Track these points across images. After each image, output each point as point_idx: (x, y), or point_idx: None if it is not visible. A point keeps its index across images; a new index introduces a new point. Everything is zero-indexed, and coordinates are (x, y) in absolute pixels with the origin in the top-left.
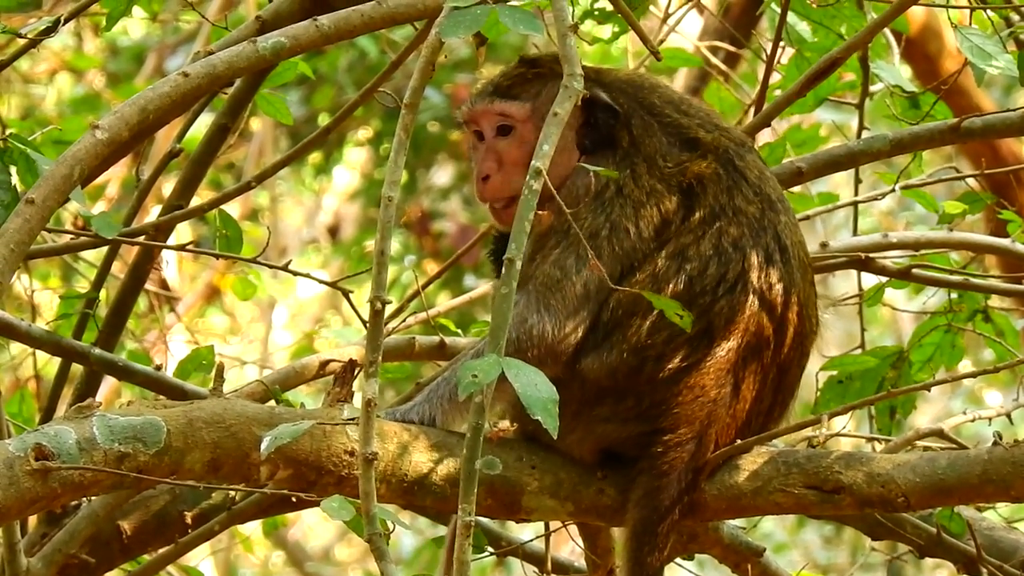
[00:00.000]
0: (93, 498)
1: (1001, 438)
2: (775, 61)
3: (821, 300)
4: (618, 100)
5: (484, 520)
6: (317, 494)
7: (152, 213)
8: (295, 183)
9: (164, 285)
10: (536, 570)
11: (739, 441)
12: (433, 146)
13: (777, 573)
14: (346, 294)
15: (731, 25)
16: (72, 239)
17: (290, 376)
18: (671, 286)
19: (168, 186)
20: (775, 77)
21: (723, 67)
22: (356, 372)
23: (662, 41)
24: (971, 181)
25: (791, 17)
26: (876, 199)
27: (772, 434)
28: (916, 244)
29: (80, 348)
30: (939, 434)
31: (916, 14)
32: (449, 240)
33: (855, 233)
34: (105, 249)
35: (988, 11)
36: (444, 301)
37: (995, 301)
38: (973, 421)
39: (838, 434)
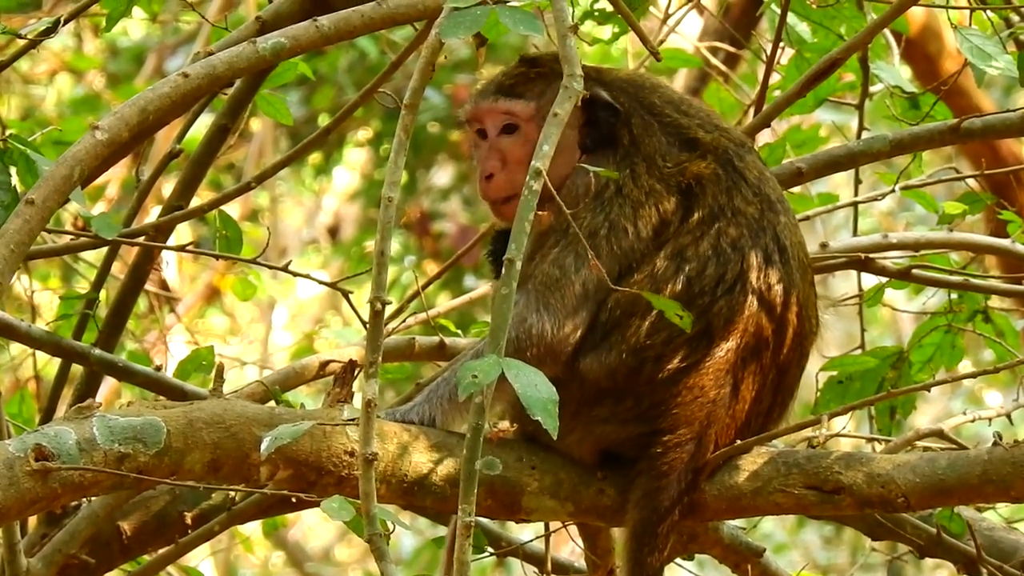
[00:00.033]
0: (93, 499)
1: (1001, 438)
2: (775, 62)
3: (821, 301)
4: (619, 99)
5: (484, 520)
6: (317, 494)
7: (152, 214)
8: (295, 184)
9: (164, 286)
10: (536, 570)
11: (739, 441)
12: (433, 147)
13: (777, 573)
14: (346, 295)
15: (731, 26)
16: (72, 240)
17: (290, 377)
18: (669, 287)
19: (168, 187)
20: (775, 78)
21: (723, 68)
22: (356, 373)
23: (662, 42)
24: (971, 182)
25: (791, 18)
26: (876, 200)
27: (772, 434)
28: (916, 244)
29: (80, 349)
30: (939, 434)
31: (916, 15)
32: (449, 241)
33: (855, 233)
34: (105, 250)
35: (988, 12)
36: (444, 302)
37: (995, 301)
38: (973, 421)
39: (838, 434)
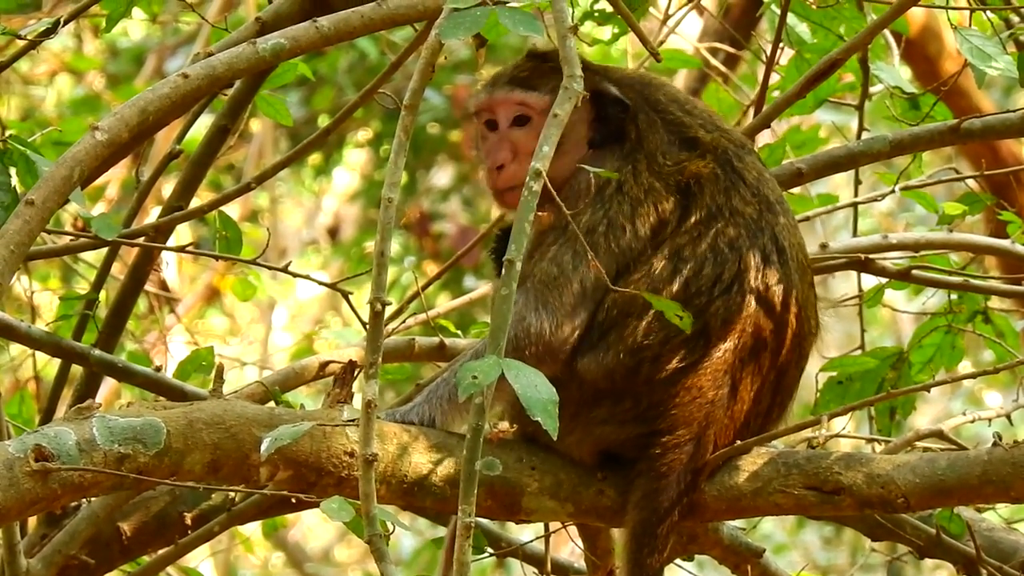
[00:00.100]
0: (93, 499)
1: (1001, 439)
2: (775, 62)
3: (821, 302)
4: (627, 95)
5: (484, 521)
6: (317, 495)
7: (152, 214)
8: (295, 184)
9: (164, 286)
10: (536, 571)
11: (738, 442)
12: (433, 147)
13: (777, 574)
14: (346, 295)
15: (731, 26)
16: (72, 240)
17: (290, 377)
18: (667, 287)
19: (168, 187)
20: (775, 78)
21: (723, 68)
22: (356, 373)
23: (662, 42)
24: (971, 182)
25: (791, 18)
26: (876, 200)
27: (772, 435)
28: (916, 245)
29: (80, 349)
30: (939, 435)
31: (916, 15)
32: (449, 241)
33: (855, 234)
34: (105, 250)
35: (988, 12)
36: (444, 302)
37: (995, 302)
38: (973, 422)
39: (838, 435)
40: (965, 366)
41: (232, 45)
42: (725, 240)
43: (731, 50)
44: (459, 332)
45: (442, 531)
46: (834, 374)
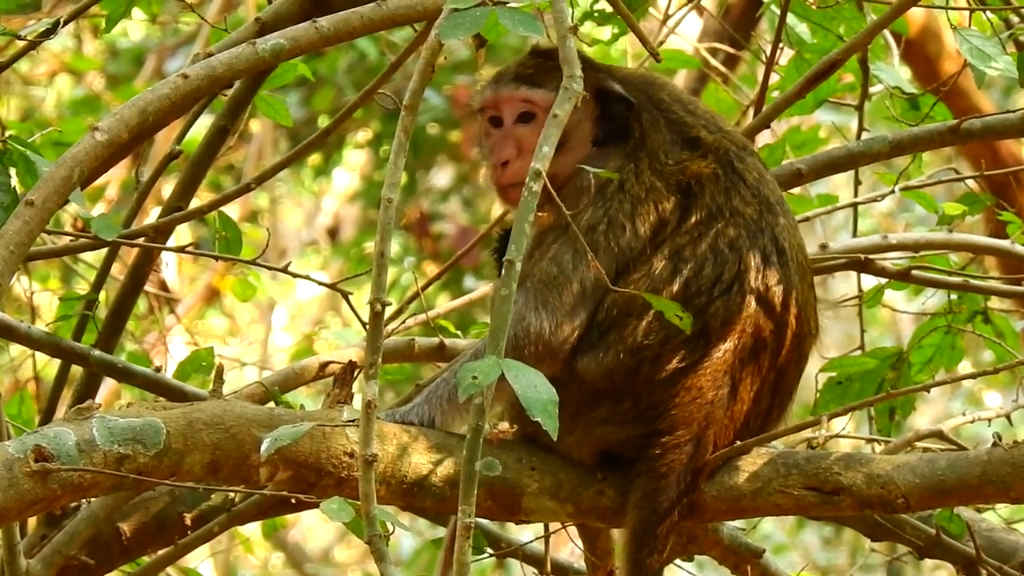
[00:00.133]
0: (93, 500)
1: (1000, 439)
2: (774, 62)
3: (820, 303)
4: (632, 93)
5: (484, 521)
6: (317, 496)
7: (152, 215)
8: (295, 185)
9: (164, 287)
10: (536, 571)
11: (738, 442)
12: (433, 148)
13: (777, 574)
14: (346, 296)
15: (731, 26)
16: (72, 241)
17: (290, 378)
18: (667, 287)
19: (168, 188)
20: (774, 78)
21: (722, 69)
22: (356, 374)
23: (661, 43)
24: (971, 182)
25: (791, 18)
26: (876, 200)
27: (772, 435)
28: (916, 245)
29: (80, 350)
30: (939, 435)
31: (915, 16)
32: (449, 242)
33: (855, 234)
34: (105, 251)
35: (987, 13)
36: (444, 303)
37: (995, 302)
38: (973, 422)
39: (838, 435)
40: (965, 366)
41: (232, 46)
42: (725, 240)
43: (731, 50)
44: (459, 332)
45: (442, 532)
46: (834, 374)
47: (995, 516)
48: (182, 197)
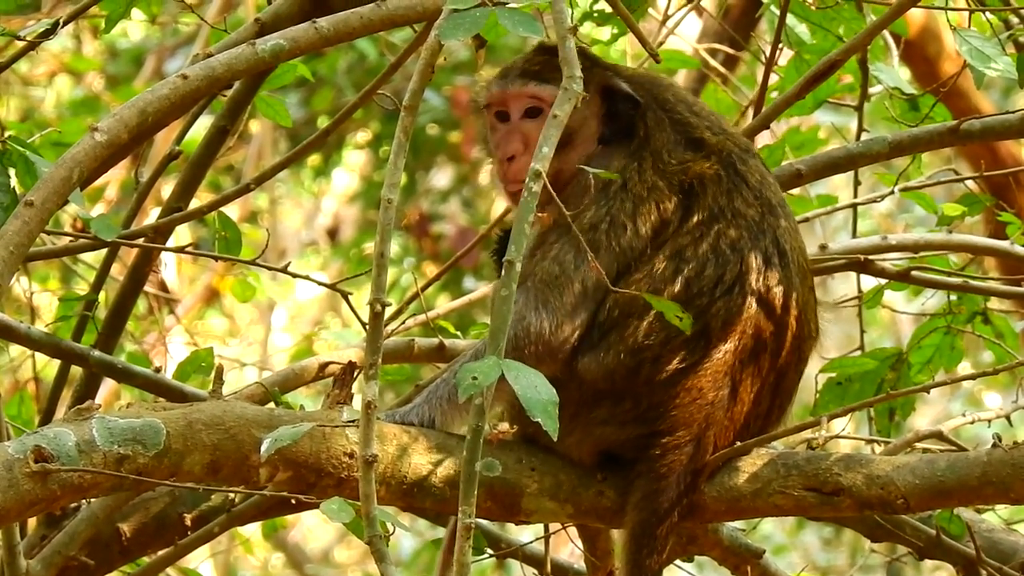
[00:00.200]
0: (92, 500)
1: (1000, 440)
2: (774, 63)
3: (821, 306)
4: (637, 92)
5: (483, 522)
6: (317, 496)
7: (151, 215)
8: (294, 185)
9: (163, 287)
10: (536, 572)
11: (738, 443)
12: (432, 148)
13: (776, 575)
14: (345, 296)
15: (730, 27)
16: (71, 241)
17: (289, 378)
18: (668, 287)
19: (167, 188)
20: (774, 79)
21: (722, 69)
22: (355, 374)
23: (661, 43)
24: (970, 183)
25: (790, 19)
26: (875, 201)
27: (772, 436)
28: (915, 246)
29: (79, 350)
30: (938, 436)
31: (915, 16)
32: (448, 242)
33: (854, 235)
34: (104, 251)
35: (987, 13)
36: (443, 303)
37: (994, 303)
38: (972, 423)
39: (837, 436)
40: (964, 367)
41: (231, 46)
42: (727, 241)
43: (730, 51)
44: (459, 333)
45: (442, 532)
46: (833, 375)
47: (995, 517)
48: (182, 197)
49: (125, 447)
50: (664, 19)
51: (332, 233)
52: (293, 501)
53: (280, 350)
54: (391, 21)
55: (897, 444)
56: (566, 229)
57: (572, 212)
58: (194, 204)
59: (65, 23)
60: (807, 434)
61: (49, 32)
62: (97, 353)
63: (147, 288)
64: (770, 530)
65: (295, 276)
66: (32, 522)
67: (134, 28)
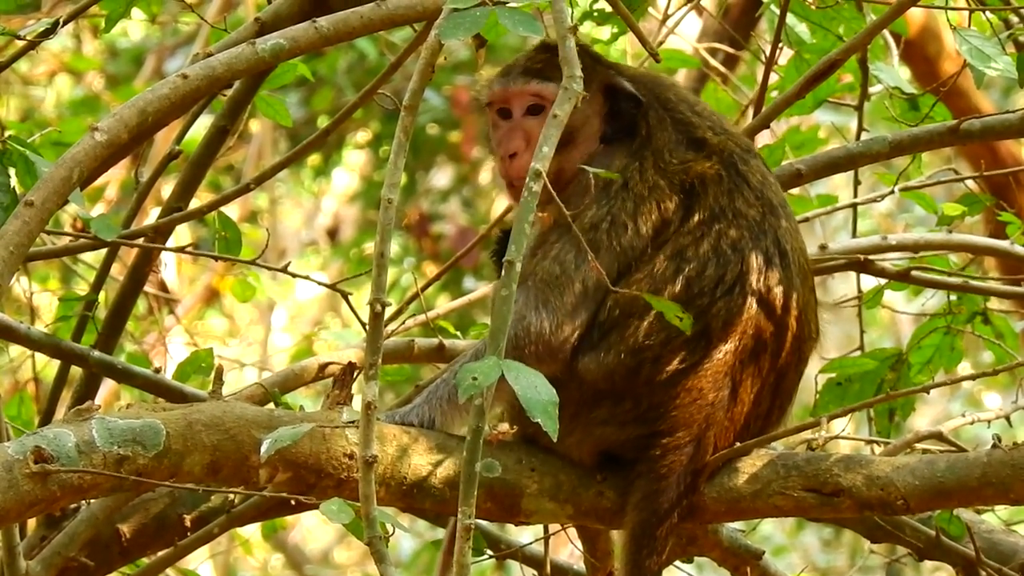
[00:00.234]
0: (92, 501)
1: (1000, 441)
2: (774, 62)
3: (821, 306)
4: (640, 91)
5: (483, 523)
6: (316, 497)
7: (151, 215)
8: (294, 185)
9: (163, 287)
10: (535, 573)
11: (738, 444)
12: (432, 148)
13: None
14: (345, 296)
15: (730, 27)
16: (71, 241)
17: (289, 378)
18: (669, 287)
19: (167, 188)
20: (774, 78)
21: (722, 69)
22: (355, 374)
23: (661, 43)
24: (970, 183)
25: (790, 18)
26: (875, 201)
27: (772, 437)
28: (915, 246)
29: (79, 350)
30: (938, 437)
31: (915, 16)
32: (448, 242)
33: (854, 235)
34: (104, 251)
35: (987, 13)
36: (443, 303)
37: (994, 303)
38: (972, 424)
39: (837, 436)
40: (964, 367)
41: (231, 46)
42: (728, 241)
43: (730, 50)
44: (458, 333)
45: (441, 533)
46: (833, 375)
47: (995, 518)
48: (182, 197)
49: (125, 448)
50: (664, 18)
51: (332, 233)
52: (293, 502)
53: (280, 350)
54: (391, 21)
55: (897, 445)
56: (567, 229)
57: (573, 211)
58: (194, 204)
59: (65, 23)
60: (807, 435)
61: (49, 32)
62: (97, 353)
63: (147, 288)
64: (770, 531)
65: (295, 276)
66: (32, 523)
67: (134, 28)
